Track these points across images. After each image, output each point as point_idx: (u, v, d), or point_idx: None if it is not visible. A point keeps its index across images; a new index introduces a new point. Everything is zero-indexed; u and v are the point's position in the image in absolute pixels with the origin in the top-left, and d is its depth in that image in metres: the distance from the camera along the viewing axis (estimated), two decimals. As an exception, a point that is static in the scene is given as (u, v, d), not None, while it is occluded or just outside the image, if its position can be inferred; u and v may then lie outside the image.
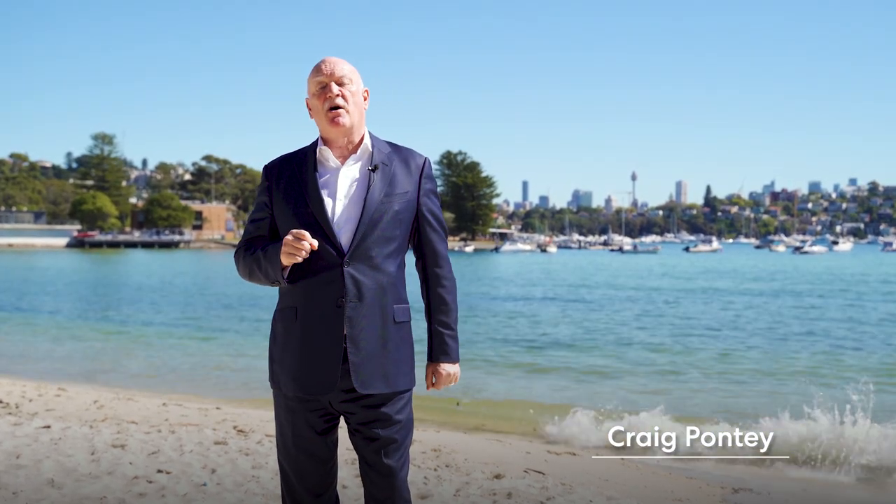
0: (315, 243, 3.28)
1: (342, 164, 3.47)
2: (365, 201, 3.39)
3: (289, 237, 3.28)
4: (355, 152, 3.49)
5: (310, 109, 3.52)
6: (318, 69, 3.45)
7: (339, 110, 3.42)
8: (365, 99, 3.55)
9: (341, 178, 3.45)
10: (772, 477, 8.65)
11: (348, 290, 3.36)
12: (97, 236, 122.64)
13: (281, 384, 3.47)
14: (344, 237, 3.39)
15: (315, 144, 3.52)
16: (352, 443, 3.53)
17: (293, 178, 3.47)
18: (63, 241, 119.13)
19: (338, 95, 3.42)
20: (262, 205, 3.56)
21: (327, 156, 3.47)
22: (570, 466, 8.32)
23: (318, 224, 3.38)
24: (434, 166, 4.41)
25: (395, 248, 3.46)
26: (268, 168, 3.56)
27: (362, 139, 3.51)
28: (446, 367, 3.59)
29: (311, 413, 3.46)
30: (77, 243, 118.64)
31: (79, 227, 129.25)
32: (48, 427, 8.65)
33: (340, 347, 3.37)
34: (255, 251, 3.46)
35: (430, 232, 3.58)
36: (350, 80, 3.47)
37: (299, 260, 3.29)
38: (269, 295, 33.20)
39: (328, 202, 3.41)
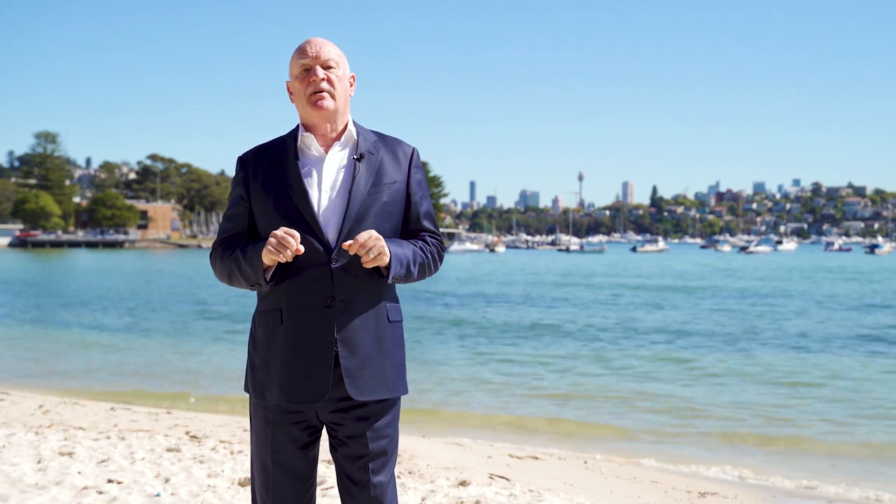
0: (301, 248, 2.99)
1: (326, 152, 3.21)
2: (350, 193, 3.13)
3: (278, 232, 2.98)
4: (339, 139, 3.23)
5: (290, 93, 3.25)
6: (302, 51, 3.19)
7: (323, 93, 3.15)
8: (351, 84, 3.29)
9: (326, 167, 3.18)
10: (739, 481, 8.58)
11: (338, 289, 3.09)
12: (40, 236, 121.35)
13: (265, 394, 3.17)
14: (331, 231, 3.11)
15: (295, 132, 3.25)
16: (333, 458, 3.25)
17: (273, 169, 3.17)
18: (5, 240, 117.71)
19: (323, 80, 3.15)
20: (237, 198, 3.25)
21: (310, 143, 3.19)
22: (534, 471, 8.16)
23: (303, 217, 3.11)
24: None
25: None
26: (243, 159, 3.27)
27: (346, 126, 3.25)
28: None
29: (293, 426, 3.18)
30: (20, 243, 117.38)
31: (21, 226, 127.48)
32: (-9, 434, 8.33)
33: (331, 351, 3.09)
34: (234, 251, 3.15)
35: (425, 223, 3.32)
36: (336, 64, 3.20)
37: (282, 259, 2.98)
38: (220, 295, 32.84)
39: (313, 193, 3.14)
